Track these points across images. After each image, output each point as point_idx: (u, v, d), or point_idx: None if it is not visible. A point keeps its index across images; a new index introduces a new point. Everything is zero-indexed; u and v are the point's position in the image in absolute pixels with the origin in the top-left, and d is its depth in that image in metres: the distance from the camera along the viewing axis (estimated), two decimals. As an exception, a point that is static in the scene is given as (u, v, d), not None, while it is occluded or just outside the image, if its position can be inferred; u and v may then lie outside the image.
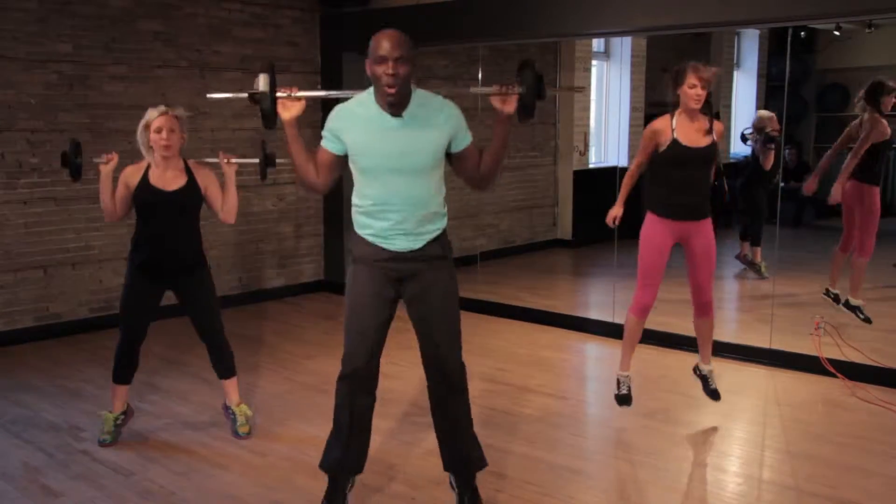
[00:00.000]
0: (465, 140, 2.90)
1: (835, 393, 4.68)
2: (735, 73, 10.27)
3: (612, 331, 5.85)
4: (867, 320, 5.62)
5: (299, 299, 7.10)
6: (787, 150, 8.86)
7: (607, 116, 9.60)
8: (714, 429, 4.20)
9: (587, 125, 9.44)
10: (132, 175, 3.82)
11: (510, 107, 2.85)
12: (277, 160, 4.15)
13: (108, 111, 5.92)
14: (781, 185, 7.08)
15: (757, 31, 9.94)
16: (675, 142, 3.97)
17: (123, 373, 3.96)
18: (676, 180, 4.02)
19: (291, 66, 6.97)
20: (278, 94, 2.87)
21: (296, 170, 2.95)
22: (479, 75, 7.60)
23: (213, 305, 3.99)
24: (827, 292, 5.88)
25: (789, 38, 6.11)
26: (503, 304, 6.59)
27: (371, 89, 2.84)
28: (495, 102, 2.85)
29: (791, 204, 8.70)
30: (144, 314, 3.92)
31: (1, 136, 5.48)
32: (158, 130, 3.74)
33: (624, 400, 4.24)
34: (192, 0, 6.31)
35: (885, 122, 5.50)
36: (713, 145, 4.01)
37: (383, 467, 3.65)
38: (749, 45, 10.28)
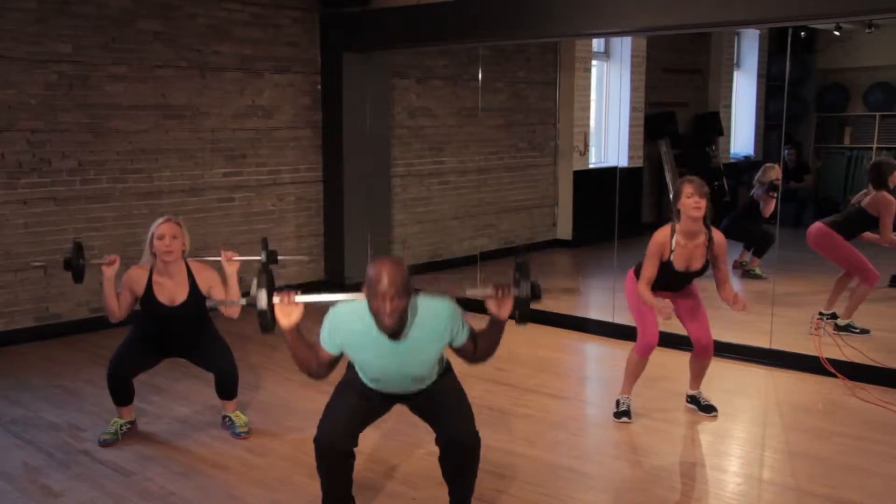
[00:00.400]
0: (461, 338, 2.94)
1: (835, 393, 4.68)
2: (735, 73, 10.28)
3: (612, 331, 5.85)
4: (864, 331, 5.63)
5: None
6: (786, 151, 8.87)
7: (607, 116, 9.60)
8: (714, 429, 4.20)
9: (587, 125, 9.44)
10: (136, 282, 3.89)
11: (505, 311, 2.87)
12: (280, 257, 4.21)
13: (108, 111, 5.92)
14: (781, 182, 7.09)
15: (757, 31, 9.95)
16: (668, 263, 4.04)
17: (120, 399, 4.00)
18: (664, 283, 4.10)
19: (291, 67, 6.97)
20: (276, 301, 2.84)
21: (297, 366, 2.97)
22: (479, 75, 7.61)
23: (221, 353, 4.05)
24: (821, 315, 5.82)
25: (789, 38, 6.13)
26: (503, 304, 6.57)
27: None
28: (490, 306, 2.86)
29: (791, 204, 8.71)
30: (138, 369, 4.02)
31: (1, 136, 5.48)
32: (161, 237, 3.81)
33: (623, 414, 4.26)
34: (192, 0, 6.31)
35: (892, 197, 5.61)
36: (705, 267, 4.08)
37: (383, 467, 3.66)
38: (749, 45, 10.29)
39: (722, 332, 5.48)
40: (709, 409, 4.32)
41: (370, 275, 2.72)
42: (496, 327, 2.94)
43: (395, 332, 2.77)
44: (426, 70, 7.95)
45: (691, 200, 3.94)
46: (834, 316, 5.81)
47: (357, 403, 2.98)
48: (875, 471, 3.66)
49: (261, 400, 4.58)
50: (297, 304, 2.86)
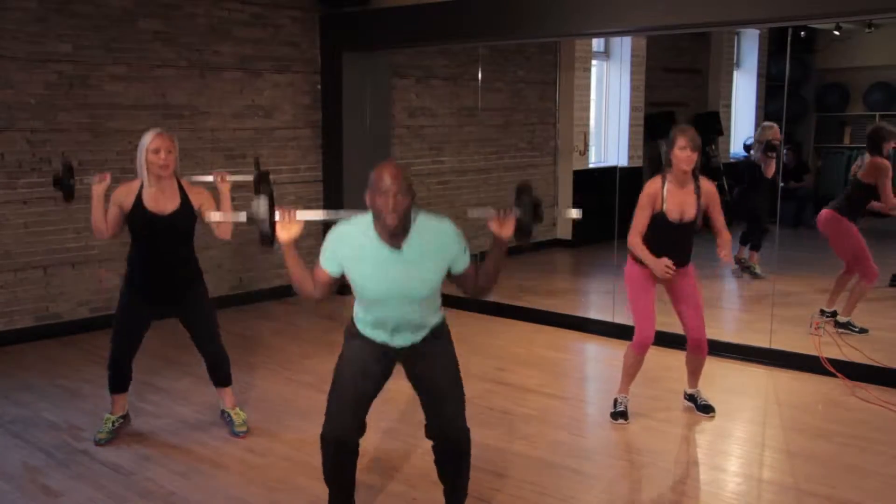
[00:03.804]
0: (463, 263, 2.93)
1: (835, 393, 4.68)
2: (735, 73, 10.28)
3: (612, 331, 5.85)
4: (863, 330, 5.63)
5: (299, 299, 7.09)
6: (785, 151, 8.86)
7: (607, 116, 9.59)
8: (714, 429, 4.20)
9: (587, 125, 9.44)
10: (125, 196, 3.81)
11: (507, 231, 2.87)
12: (272, 177, 4.18)
13: (108, 111, 5.92)
14: (781, 185, 7.08)
15: (757, 31, 9.94)
16: (661, 214, 4.04)
17: (118, 384, 3.99)
18: (660, 242, 4.08)
19: (291, 66, 6.97)
20: (277, 218, 2.86)
21: (294, 284, 2.98)
22: (479, 75, 7.61)
23: (210, 320, 4.02)
24: (822, 312, 5.85)
25: (789, 38, 6.11)
26: (503, 304, 6.59)
27: (370, 217, 2.83)
28: (492, 227, 2.87)
29: (791, 204, 8.70)
30: (137, 333, 3.97)
31: (1, 136, 5.48)
32: (156, 151, 3.74)
33: (620, 415, 4.26)
34: (192, 0, 6.31)
35: (888, 162, 5.60)
36: (698, 216, 4.09)
37: (383, 467, 3.66)
38: (749, 45, 10.28)
39: (722, 331, 5.50)
40: (706, 410, 4.32)
41: (372, 176, 2.75)
42: (498, 250, 2.94)
43: (398, 232, 2.77)
44: (426, 70, 7.95)
45: (683, 154, 3.96)
46: (835, 314, 5.82)
47: (359, 383, 2.95)
48: (875, 471, 3.66)
49: (261, 399, 4.57)
50: (297, 220, 2.89)
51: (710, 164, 9.42)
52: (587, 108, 9.38)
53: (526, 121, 9.03)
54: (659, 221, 4.05)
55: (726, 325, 6.20)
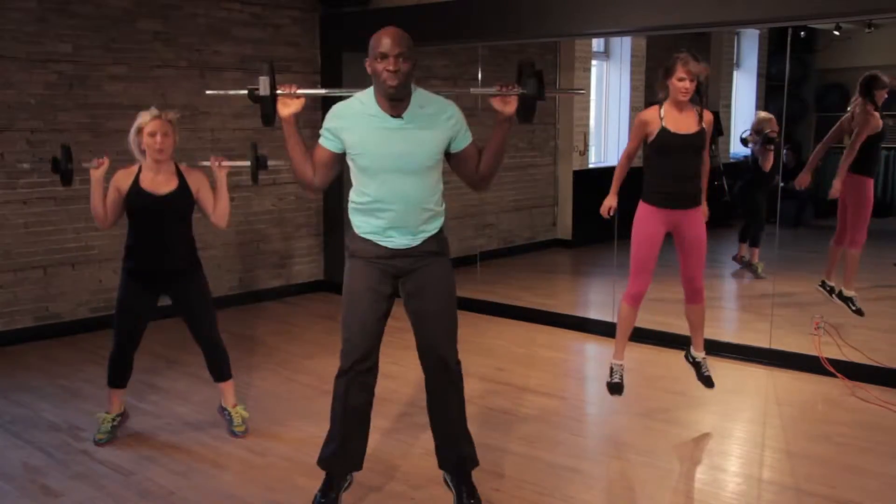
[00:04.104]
0: (465, 140, 2.91)
1: (835, 393, 4.68)
2: (735, 73, 10.27)
3: (611, 331, 5.80)
4: (859, 312, 5.66)
5: (298, 299, 7.10)
6: (784, 151, 8.86)
7: (607, 116, 9.60)
8: (714, 428, 4.20)
9: (587, 125, 9.44)
10: (123, 179, 3.81)
11: (511, 108, 2.86)
12: (270, 163, 4.16)
13: (108, 111, 5.92)
14: (781, 185, 7.08)
15: (757, 31, 9.94)
16: (663, 129, 4.02)
17: (118, 378, 3.97)
18: (666, 168, 4.07)
19: (291, 66, 6.97)
20: (278, 92, 2.88)
21: (293, 167, 2.98)
22: (479, 75, 7.60)
23: (208, 308, 3.99)
24: (822, 284, 5.92)
25: (789, 38, 6.11)
26: (503, 304, 6.59)
27: (371, 89, 2.85)
28: (495, 103, 2.85)
29: (791, 204, 8.70)
30: (139, 321, 3.93)
31: (1, 136, 5.48)
32: (152, 134, 3.73)
33: (616, 388, 4.25)
34: (192, 0, 6.31)
35: (877, 114, 5.63)
36: (701, 132, 4.06)
37: (383, 467, 3.66)
38: (749, 45, 10.28)
39: (722, 331, 5.49)
40: (707, 382, 4.30)
41: (372, 40, 2.77)
42: (501, 128, 2.92)
43: (399, 96, 2.76)
44: (426, 70, 7.94)
45: (681, 84, 3.94)
46: (832, 291, 5.84)
47: (371, 305, 2.94)
48: (875, 471, 3.66)
49: (261, 399, 4.57)
50: (298, 96, 2.90)
51: (710, 164, 9.41)
52: (587, 109, 9.38)
53: (526, 121, 9.02)
54: (662, 139, 4.03)
55: (726, 325, 6.20)
